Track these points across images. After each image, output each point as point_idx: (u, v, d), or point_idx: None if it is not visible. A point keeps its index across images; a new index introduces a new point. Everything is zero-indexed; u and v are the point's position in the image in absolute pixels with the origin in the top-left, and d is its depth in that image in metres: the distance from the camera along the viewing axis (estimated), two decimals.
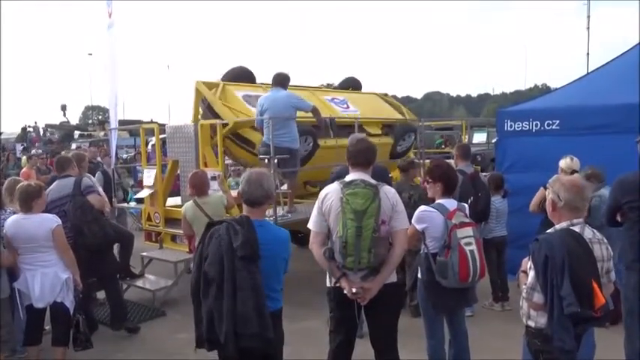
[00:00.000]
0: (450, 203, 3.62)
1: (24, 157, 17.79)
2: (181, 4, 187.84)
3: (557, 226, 2.67)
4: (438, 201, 3.67)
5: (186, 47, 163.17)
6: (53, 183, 5.28)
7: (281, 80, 6.33)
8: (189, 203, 5.05)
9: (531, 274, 2.63)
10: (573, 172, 4.88)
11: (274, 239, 2.86)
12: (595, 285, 2.49)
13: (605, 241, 2.69)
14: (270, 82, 6.46)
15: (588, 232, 2.64)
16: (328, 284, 3.33)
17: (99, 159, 10.11)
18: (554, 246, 2.52)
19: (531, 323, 2.71)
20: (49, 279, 4.05)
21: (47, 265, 4.05)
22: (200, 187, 5.04)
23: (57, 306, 4.12)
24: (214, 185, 5.59)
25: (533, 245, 2.62)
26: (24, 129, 33.74)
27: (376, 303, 3.18)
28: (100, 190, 5.78)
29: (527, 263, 2.71)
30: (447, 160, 4.80)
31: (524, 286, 2.71)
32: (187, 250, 5.84)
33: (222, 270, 2.69)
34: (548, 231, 2.70)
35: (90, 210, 5.02)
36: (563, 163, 5.07)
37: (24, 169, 11.36)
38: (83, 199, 5.04)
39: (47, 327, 4.43)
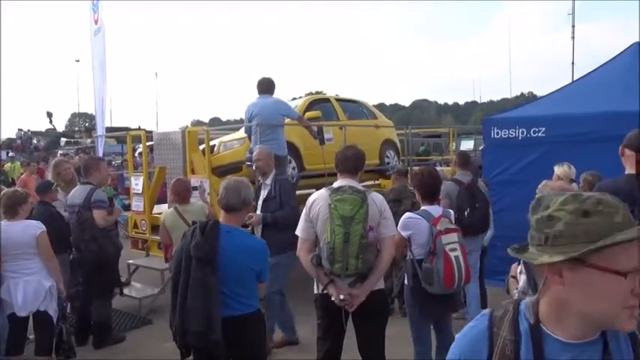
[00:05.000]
0: (435, 210, 3.64)
1: (8, 164, 17.62)
2: (169, 12, 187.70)
3: None
4: (423, 207, 3.69)
5: (175, 55, 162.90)
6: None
7: (267, 86, 6.31)
8: (170, 210, 5.03)
9: (523, 278, 2.64)
10: (571, 181, 4.75)
11: (240, 247, 2.86)
12: None
13: None
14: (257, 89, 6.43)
15: None
16: (316, 291, 3.32)
17: None
18: None
19: None
20: (32, 287, 3.99)
21: (30, 272, 4.00)
22: (183, 194, 5.01)
23: (40, 314, 4.06)
24: (195, 194, 5.57)
25: None
26: (12, 138, 33.41)
27: (363, 310, 3.17)
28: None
29: (517, 268, 2.72)
30: (440, 168, 4.82)
31: (515, 291, 2.71)
32: (164, 259, 5.74)
33: (179, 268, 2.80)
34: None
35: (90, 227, 4.83)
36: (561, 171, 4.92)
37: (22, 176, 11.17)
38: (87, 214, 4.85)
39: (31, 336, 4.36)
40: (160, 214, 6.80)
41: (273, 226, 4.55)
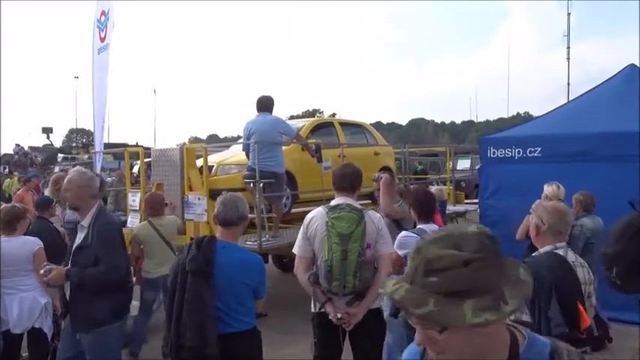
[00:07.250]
0: (431, 228, 3.65)
1: (6, 180, 17.60)
2: (168, 28, 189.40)
3: (542, 250, 2.70)
4: (419, 226, 3.70)
5: (173, 72, 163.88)
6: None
7: (266, 104, 6.35)
8: (143, 223, 5.31)
9: None
10: (560, 200, 4.78)
11: (236, 262, 2.84)
12: (580, 306, 2.52)
13: (587, 265, 2.73)
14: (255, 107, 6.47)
15: (571, 256, 2.68)
16: (313, 309, 3.31)
17: None
18: (541, 268, 2.55)
19: None
20: (27, 303, 3.96)
21: (26, 289, 3.97)
22: (156, 207, 5.27)
23: (35, 332, 4.02)
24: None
25: None
26: (10, 154, 33.41)
27: (361, 328, 3.16)
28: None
29: None
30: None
31: None
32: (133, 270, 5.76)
33: (175, 282, 2.80)
34: (533, 254, 2.73)
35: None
36: (550, 190, 4.95)
37: (19, 192, 11.16)
38: None
39: (24, 354, 4.32)
40: None
41: (81, 288, 3.18)
